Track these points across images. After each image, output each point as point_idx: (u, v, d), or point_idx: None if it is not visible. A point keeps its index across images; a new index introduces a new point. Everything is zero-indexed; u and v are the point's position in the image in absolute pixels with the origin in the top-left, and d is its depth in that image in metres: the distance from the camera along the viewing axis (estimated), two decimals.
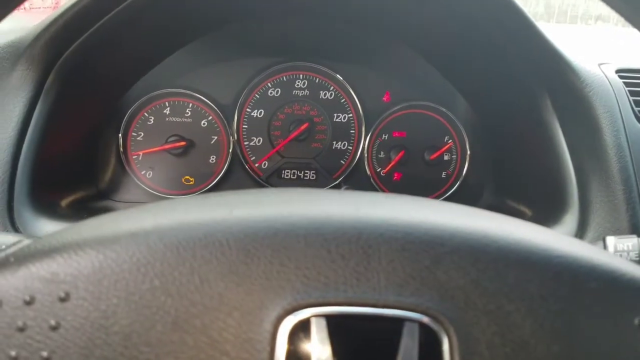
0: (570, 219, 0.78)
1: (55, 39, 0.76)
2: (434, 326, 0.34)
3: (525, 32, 0.77)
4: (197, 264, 0.35)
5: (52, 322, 0.35)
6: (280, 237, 0.36)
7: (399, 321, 0.34)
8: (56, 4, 1.04)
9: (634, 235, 0.60)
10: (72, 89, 0.80)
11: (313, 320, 0.34)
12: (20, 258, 0.37)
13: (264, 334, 0.34)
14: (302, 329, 0.34)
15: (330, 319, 0.34)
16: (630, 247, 0.61)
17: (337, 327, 0.34)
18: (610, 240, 0.61)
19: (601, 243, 0.62)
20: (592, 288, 0.37)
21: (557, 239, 0.41)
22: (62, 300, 0.35)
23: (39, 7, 1.37)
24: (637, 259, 0.58)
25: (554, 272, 0.36)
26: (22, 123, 0.74)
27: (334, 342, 0.33)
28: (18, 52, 0.76)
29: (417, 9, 0.85)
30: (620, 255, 0.62)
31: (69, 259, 0.36)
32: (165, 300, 0.34)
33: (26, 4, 1.33)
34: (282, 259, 0.35)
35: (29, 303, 0.35)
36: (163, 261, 0.35)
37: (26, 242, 0.40)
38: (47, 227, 0.74)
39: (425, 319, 0.34)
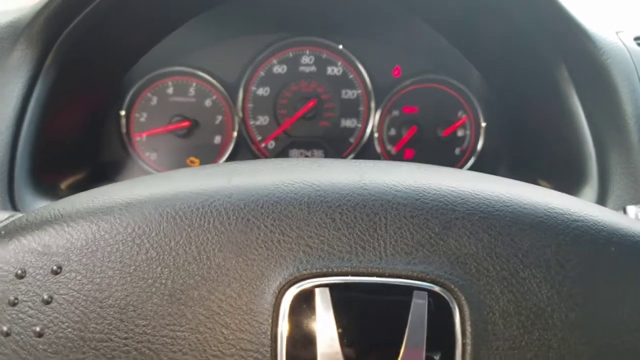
0: (590, 191, 0.76)
1: (54, 17, 0.74)
2: (445, 295, 0.32)
3: None
4: (195, 234, 0.33)
5: (45, 296, 0.33)
6: (281, 205, 0.34)
7: (408, 291, 0.32)
8: None
9: None
10: (72, 67, 0.78)
11: (317, 291, 0.32)
12: (12, 231, 0.36)
13: (265, 305, 0.32)
14: (306, 300, 0.32)
15: (334, 290, 0.32)
16: None
17: (342, 298, 0.32)
18: (631, 209, 0.59)
19: (621, 212, 0.60)
20: (611, 253, 0.34)
21: (575, 203, 0.38)
22: (55, 273, 0.34)
23: None
24: None
25: (571, 237, 0.34)
26: (21, 103, 0.73)
27: (338, 313, 0.32)
28: (17, 31, 0.75)
29: None
30: None
31: (61, 230, 0.35)
32: (161, 272, 0.33)
33: None
34: (284, 227, 0.33)
35: (20, 276, 0.34)
36: (159, 231, 0.34)
37: (18, 215, 0.39)
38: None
39: (435, 288, 0.32)
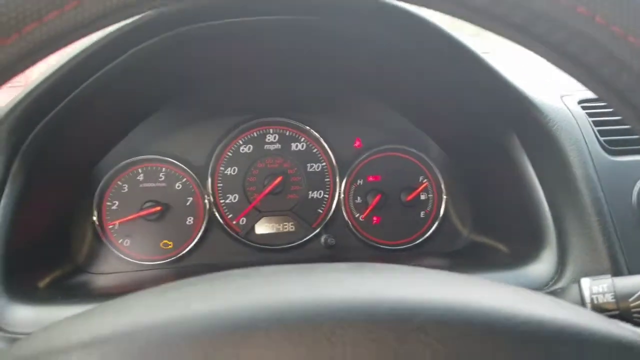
0: (549, 255, 0.78)
1: (20, 123, 0.75)
2: None
3: (485, 75, 0.79)
4: None
5: None
6: (239, 334, 0.35)
7: None
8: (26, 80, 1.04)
9: (608, 276, 0.60)
10: (41, 169, 0.79)
11: None
12: None
13: None
14: None
15: None
16: (606, 289, 0.61)
17: None
18: (585, 282, 0.62)
19: (576, 286, 0.62)
20: (564, 352, 0.37)
21: (523, 299, 0.41)
22: None
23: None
24: (613, 299, 0.59)
25: (521, 341, 0.36)
26: None
27: None
28: None
29: (374, 61, 0.87)
30: (597, 299, 0.62)
31: None
32: None
33: None
34: (243, 357, 0.35)
35: None
36: None
37: None
38: (25, 314, 0.72)
39: None
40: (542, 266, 0.78)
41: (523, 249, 0.83)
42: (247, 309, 0.37)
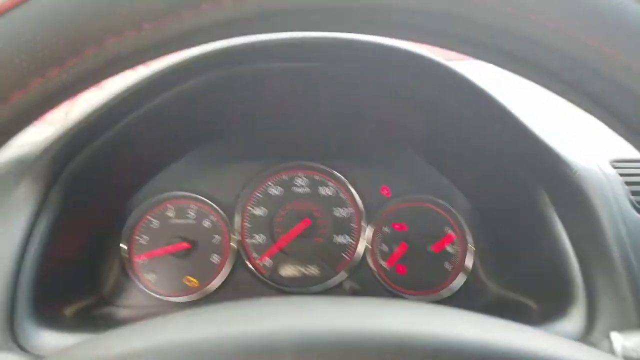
0: (577, 312, 0.77)
1: (60, 154, 0.79)
2: None
3: (514, 130, 0.80)
4: None
5: None
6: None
7: None
8: (65, 114, 1.09)
9: (639, 331, 0.59)
10: (76, 200, 0.82)
11: None
12: None
13: None
14: None
15: None
16: (638, 344, 0.60)
17: None
18: (616, 337, 0.60)
19: (607, 341, 0.60)
20: None
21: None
22: None
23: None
24: None
25: None
26: (24, 237, 0.75)
27: None
28: (23, 166, 0.78)
29: (407, 111, 0.89)
30: (629, 353, 0.60)
31: None
32: None
33: None
34: None
35: None
36: None
37: None
38: (50, 339, 0.73)
39: None
40: (571, 322, 0.76)
41: (551, 305, 0.81)
42: (277, 332, 0.37)
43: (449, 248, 1.04)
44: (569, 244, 0.81)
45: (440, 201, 1.04)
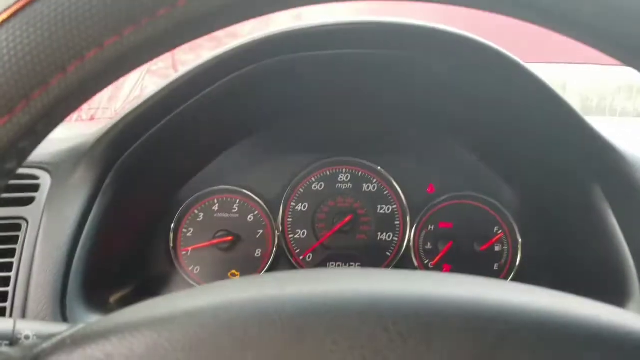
0: (634, 308, 0.74)
1: (115, 142, 0.81)
2: None
3: (571, 122, 0.78)
4: (249, 343, 0.35)
5: None
6: (332, 314, 0.35)
7: None
8: (115, 113, 1.13)
9: None
10: (129, 188, 0.84)
11: None
12: (77, 340, 0.38)
13: None
14: None
15: None
16: None
17: None
18: None
19: None
20: None
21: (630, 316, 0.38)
22: None
23: (100, 118, 1.50)
24: None
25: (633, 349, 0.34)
26: (79, 221, 0.78)
27: None
28: (79, 154, 0.81)
29: (459, 102, 0.88)
30: None
31: (123, 339, 0.36)
32: None
33: (84, 114, 1.44)
34: (336, 337, 0.34)
35: None
36: (216, 340, 0.35)
37: (82, 325, 0.41)
38: None
39: None
40: None
41: (606, 302, 0.78)
42: (340, 292, 0.37)
43: (496, 247, 1.01)
44: (624, 240, 0.78)
45: (488, 199, 1.02)
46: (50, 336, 0.39)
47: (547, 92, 0.77)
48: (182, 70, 0.79)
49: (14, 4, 0.28)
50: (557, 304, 0.37)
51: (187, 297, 0.40)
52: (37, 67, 0.28)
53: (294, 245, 1.04)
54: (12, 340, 0.49)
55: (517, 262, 1.00)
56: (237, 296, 0.38)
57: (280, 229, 1.03)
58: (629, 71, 0.44)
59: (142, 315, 0.38)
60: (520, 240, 1.01)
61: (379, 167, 1.04)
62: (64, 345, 0.37)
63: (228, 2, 0.29)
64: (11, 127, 0.29)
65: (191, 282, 0.99)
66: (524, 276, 1.00)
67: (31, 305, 0.73)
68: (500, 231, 1.02)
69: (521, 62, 0.76)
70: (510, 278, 1.00)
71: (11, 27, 0.28)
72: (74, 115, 1.35)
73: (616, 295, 0.77)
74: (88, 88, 0.30)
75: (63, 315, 0.73)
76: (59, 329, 0.46)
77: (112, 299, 0.87)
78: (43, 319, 0.72)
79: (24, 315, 0.73)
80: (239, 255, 1.02)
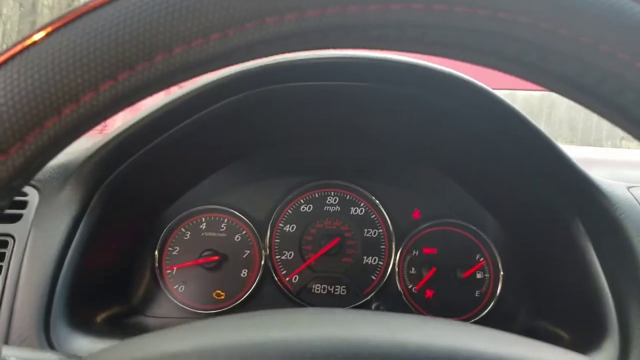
0: (610, 345, 0.75)
1: (104, 161, 0.81)
2: None
3: (551, 156, 0.80)
4: None
5: None
6: None
7: None
8: (103, 127, 1.13)
9: None
10: (116, 207, 0.84)
11: None
12: None
13: None
14: None
15: None
16: None
17: None
18: None
19: None
20: None
21: None
22: None
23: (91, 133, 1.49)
24: None
25: None
26: (66, 240, 0.77)
27: None
28: (67, 172, 0.81)
29: (442, 135, 0.90)
30: None
31: None
32: None
33: None
34: None
35: None
36: None
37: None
38: (82, 343, 0.75)
39: None
40: (604, 355, 0.74)
41: (584, 336, 0.79)
42: (323, 339, 0.38)
43: (478, 274, 1.03)
44: (603, 275, 0.79)
45: (472, 227, 1.03)
46: None
47: (530, 129, 0.79)
48: (175, 93, 0.80)
49: (12, 48, 0.29)
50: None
51: (172, 337, 0.41)
52: (33, 111, 0.29)
53: (280, 267, 1.04)
54: None
55: (498, 292, 1.02)
56: (222, 340, 0.39)
57: (268, 249, 1.04)
58: None
59: (127, 356, 0.39)
60: (501, 269, 1.02)
61: (367, 192, 1.06)
62: None
63: (224, 49, 0.30)
64: (5, 169, 0.29)
65: (175, 301, 1.00)
66: (505, 304, 1.01)
67: (15, 323, 0.73)
68: (482, 259, 1.03)
69: (502, 98, 0.78)
70: (490, 306, 1.01)
71: (9, 69, 0.29)
72: None
73: (594, 329, 0.78)
74: (82, 128, 0.31)
75: (47, 334, 0.73)
76: (43, 357, 0.47)
77: (99, 318, 0.87)
78: (26, 338, 0.72)
79: (7, 333, 0.72)
80: (224, 275, 1.02)
